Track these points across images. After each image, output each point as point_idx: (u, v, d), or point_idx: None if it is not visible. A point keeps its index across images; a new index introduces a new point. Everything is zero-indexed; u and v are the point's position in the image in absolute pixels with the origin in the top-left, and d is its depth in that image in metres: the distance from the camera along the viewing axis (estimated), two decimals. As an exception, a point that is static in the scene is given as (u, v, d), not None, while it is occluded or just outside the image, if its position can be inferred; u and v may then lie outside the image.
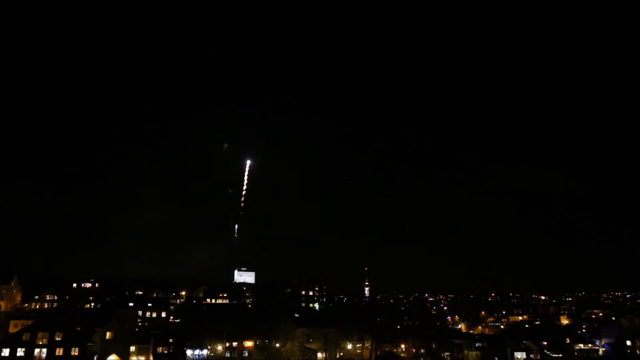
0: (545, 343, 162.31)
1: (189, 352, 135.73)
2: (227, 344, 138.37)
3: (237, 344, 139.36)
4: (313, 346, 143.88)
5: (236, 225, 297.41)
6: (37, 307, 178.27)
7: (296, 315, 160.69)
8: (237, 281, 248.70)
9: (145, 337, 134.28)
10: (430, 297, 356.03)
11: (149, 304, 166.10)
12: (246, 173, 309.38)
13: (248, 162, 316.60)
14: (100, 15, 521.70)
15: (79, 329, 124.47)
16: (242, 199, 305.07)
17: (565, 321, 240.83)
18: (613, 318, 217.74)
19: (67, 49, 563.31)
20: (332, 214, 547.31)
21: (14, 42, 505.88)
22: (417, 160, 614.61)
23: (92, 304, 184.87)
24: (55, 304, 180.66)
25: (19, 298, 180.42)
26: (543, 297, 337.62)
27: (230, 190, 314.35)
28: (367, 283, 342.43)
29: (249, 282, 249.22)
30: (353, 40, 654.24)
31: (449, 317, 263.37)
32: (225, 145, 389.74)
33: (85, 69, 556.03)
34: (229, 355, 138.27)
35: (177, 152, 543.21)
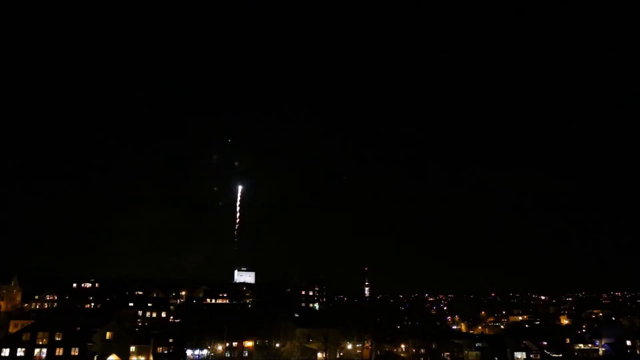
0: (545, 343, 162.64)
1: (189, 352, 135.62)
2: (227, 344, 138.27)
3: (237, 344, 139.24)
4: (313, 346, 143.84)
5: (236, 226, 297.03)
6: (37, 307, 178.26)
7: (296, 315, 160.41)
8: (237, 281, 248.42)
9: (145, 337, 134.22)
10: (430, 297, 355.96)
11: (149, 304, 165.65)
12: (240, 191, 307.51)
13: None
14: (100, 12, 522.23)
15: (79, 329, 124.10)
16: (240, 199, 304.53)
17: (565, 321, 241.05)
18: (613, 318, 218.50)
19: (67, 48, 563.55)
20: (332, 214, 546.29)
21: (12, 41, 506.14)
22: (416, 160, 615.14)
23: (92, 304, 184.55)
24: (55, 304, 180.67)
25: (19, 298, 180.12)
26: (543, 297, 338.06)
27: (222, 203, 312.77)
28: (367, 283, 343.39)
29: (249, 282, 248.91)
30: (351, 40, 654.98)
31: (449, 317, 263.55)
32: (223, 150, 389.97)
33: (86, 68, 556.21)
34: (229, 355, 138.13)
35: (177, 152, 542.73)
